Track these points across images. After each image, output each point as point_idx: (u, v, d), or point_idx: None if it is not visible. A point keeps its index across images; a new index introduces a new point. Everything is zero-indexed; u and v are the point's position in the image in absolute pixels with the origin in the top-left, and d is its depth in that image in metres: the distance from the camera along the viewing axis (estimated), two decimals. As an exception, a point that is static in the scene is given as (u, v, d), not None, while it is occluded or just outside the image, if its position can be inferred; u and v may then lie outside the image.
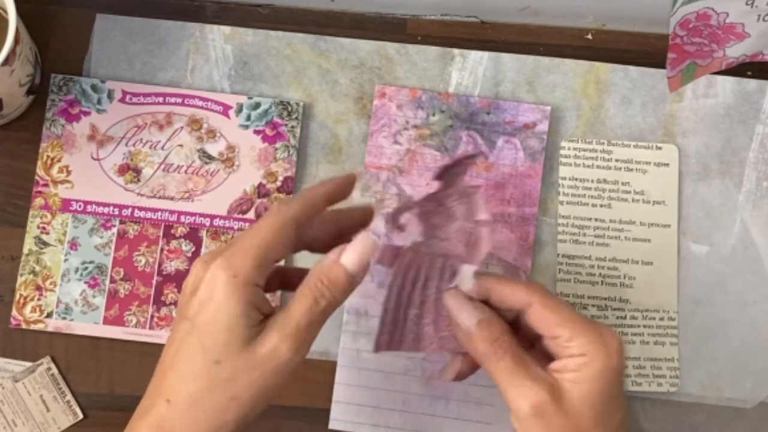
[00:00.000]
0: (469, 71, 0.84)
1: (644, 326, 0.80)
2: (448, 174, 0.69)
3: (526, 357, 0.64)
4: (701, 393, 0.80)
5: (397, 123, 0.83)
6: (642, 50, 0.85)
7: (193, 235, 0.81)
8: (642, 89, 0.84)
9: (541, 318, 0.64)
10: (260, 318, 0.60)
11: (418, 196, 0.75)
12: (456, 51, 0.84)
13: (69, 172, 0.82)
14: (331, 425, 0.80)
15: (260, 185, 0.82)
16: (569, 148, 0.83)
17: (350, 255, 0.63)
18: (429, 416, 0.80)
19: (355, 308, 0.81)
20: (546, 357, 0.65)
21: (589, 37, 0.86)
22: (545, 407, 0.61)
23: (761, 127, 0.83)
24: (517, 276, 0.81)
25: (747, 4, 0.69)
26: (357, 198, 0.81)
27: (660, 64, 0.80)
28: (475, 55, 0.84)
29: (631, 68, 0.84)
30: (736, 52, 0.74)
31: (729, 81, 0.83)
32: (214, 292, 0.59)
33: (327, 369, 0.80)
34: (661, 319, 0.80)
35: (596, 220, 0.82)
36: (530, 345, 0.66)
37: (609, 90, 0.84)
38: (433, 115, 0.83)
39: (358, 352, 0.80)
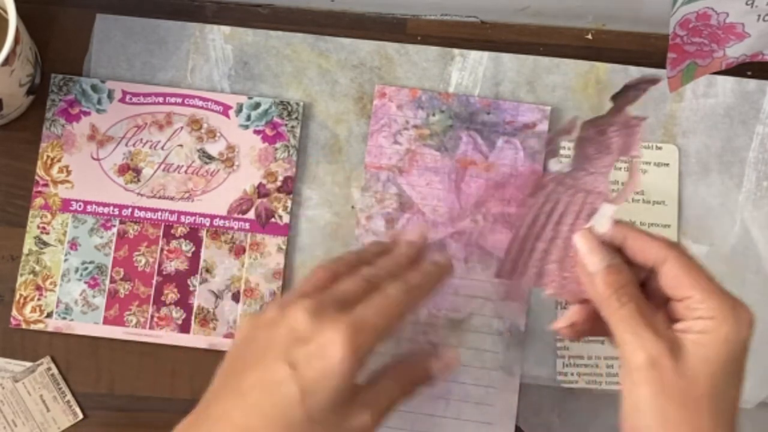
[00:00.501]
0: (469, 71, 0.84)
1: (644, 326, 0.80)
2: (624, 95, 0.68)
3: (650, 310, 0.62)
4: (701, 393, 0.81)
5: (397, 123, 0.83)
6: (642, 50, 0.86)
7: (193, 235, 0.82)
8: (642, 89, 0.84)
9: (675, 276, 0.61)
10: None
11: (585, 117, 0.72)
12: (456, 51, 0.85)
13: (69, 172, 0.82)
14: None
15: (260, 185, 0.82)
16: (569, 148, 0.82)
17: (438, 364, 0.68)
18: (428, 416, 0.80)
19: None
20: (670, 323, 0.62)
21: (589, 37, 0.87)
22: (661, 362, 0.59)
23: (761, 127, 0.84)
24: None
25: (747, 4, 0.69)
26: (357, 198, 0.82)
27: (660, 64, 0.80)
28: (475, 55, 0.85)
29: (631, 68, 0.84)
30: (736, 52, 0.75)
31: (729, 81, 0.84)
32: (331, 357, 0.59)
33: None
34: (661, 318, 0.81)
35: (596, 219, 0.82)
36: (655, 311, 0.63)
37: (609, 90, 0.82)
38: (433, 115, 0.84)
39: None
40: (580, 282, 0.65)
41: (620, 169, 0.81)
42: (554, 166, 0.72)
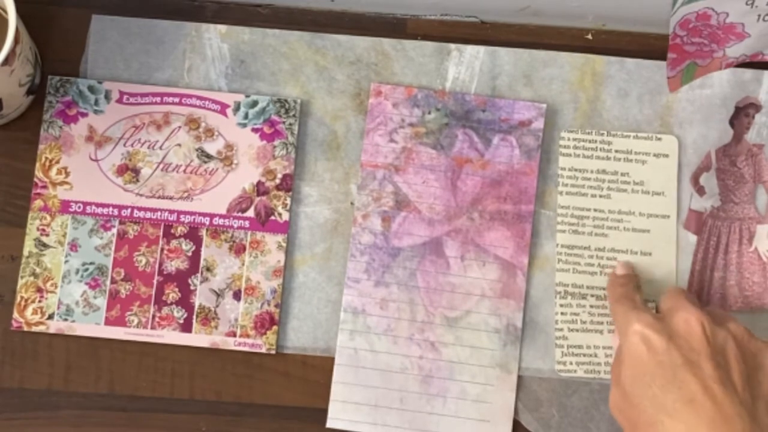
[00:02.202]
0: (466, 66, 0.86)
1: (642, 317, 0.83)
2: (739, 120, 0.80)
3: None
4: (700, 383, 0.83)
5: (393, 121, 0.86)
6: (642, 50, 0.88)
7: (192, 234, 0.84)
8: (638, 81, 0.86)
9: None
10: None
11: (715, 147, 0.85)
12: (452, 46, 0.87)
13: (68, 174, 0.84)
14: (329, 424, 0.82)
15: (259, 183, 0.84)
16: (569, 139, 0.85)
17: None
18: (426, 414, 0.82)
19: (352, 306, 0.83)
20: None
21: (589, 37, 0.89)
22: None
23: (758, 117, 0.86)
24: (514, 274, 0.84)
25: (747, 4, 0.71)
26: (354, 194, 0.85)
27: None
28: (471, 49, 0.87)
29: (627, 60, 0.86)
30: (736, 52, 0.77)
31: (725, 71, 0.85)
32: None
33: (327, 368, 0.83)
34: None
35: (595, 210, 0.84)
36: None
37: (605, 82, 0.86)
38: (429, 113, 0.86)
39: (355, 351, 0.83)
40: (762, 296, 0.83)
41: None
42: (706, 202, 0.84)
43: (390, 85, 0.86)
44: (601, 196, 0.85)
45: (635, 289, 0.79)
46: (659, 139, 0.85)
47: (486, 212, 0.85)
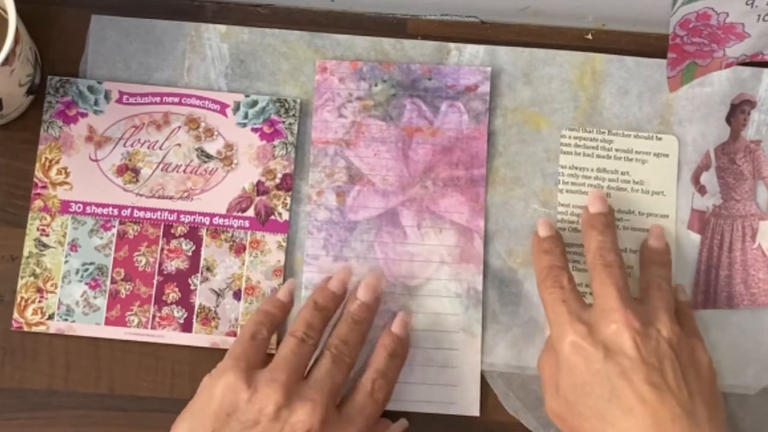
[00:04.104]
0: (466, 65, 0.87)
1: (643, 314, 0.84)
2: (735, 117, 0.81)
3: None
4: (702, 379, 0.84)
5: (341, 96, 0.87)
6: (642, 50, 0.88)
7: (192, 234, 0.85)
8: (638, 79, 0.87)
9: None
10: None
11: (711, 146, 0.86)
12: (452, 45, 0.88)
13: (67, 174, 0.85)
14: None
15: (259, 183, 0.85)
16: (570, 137, 0.86)
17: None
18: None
19: (313, 284, 0.84)
20: None
21: (589, 37, 0.90)
22: None
23: (757, 115, 0.87)
24: (471, 239, 0.85)
25: (747, 4, 0.72)
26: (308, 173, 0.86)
27: (659, 63, 0.84)
28: (471, 48, 0.88)
29: (627, 58, 0.87)
30: (736, 52, 0.77)
31: (724, 69, 0.84)
32: None
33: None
34: (660, 307, 0.84)
35: (595, 209, 0.85)
36: None
37: (605, 81, 0.87)
38: (376, 85, 0.87)
39: None
40: None
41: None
42: (708, 201, 0.85)
43: (335, 61, 0.87)
44: (600, 195, 0.85)
45: (563, 269, 0.79)
46: (659, 138, 0.86)
47: (439, 179, 0.86)
